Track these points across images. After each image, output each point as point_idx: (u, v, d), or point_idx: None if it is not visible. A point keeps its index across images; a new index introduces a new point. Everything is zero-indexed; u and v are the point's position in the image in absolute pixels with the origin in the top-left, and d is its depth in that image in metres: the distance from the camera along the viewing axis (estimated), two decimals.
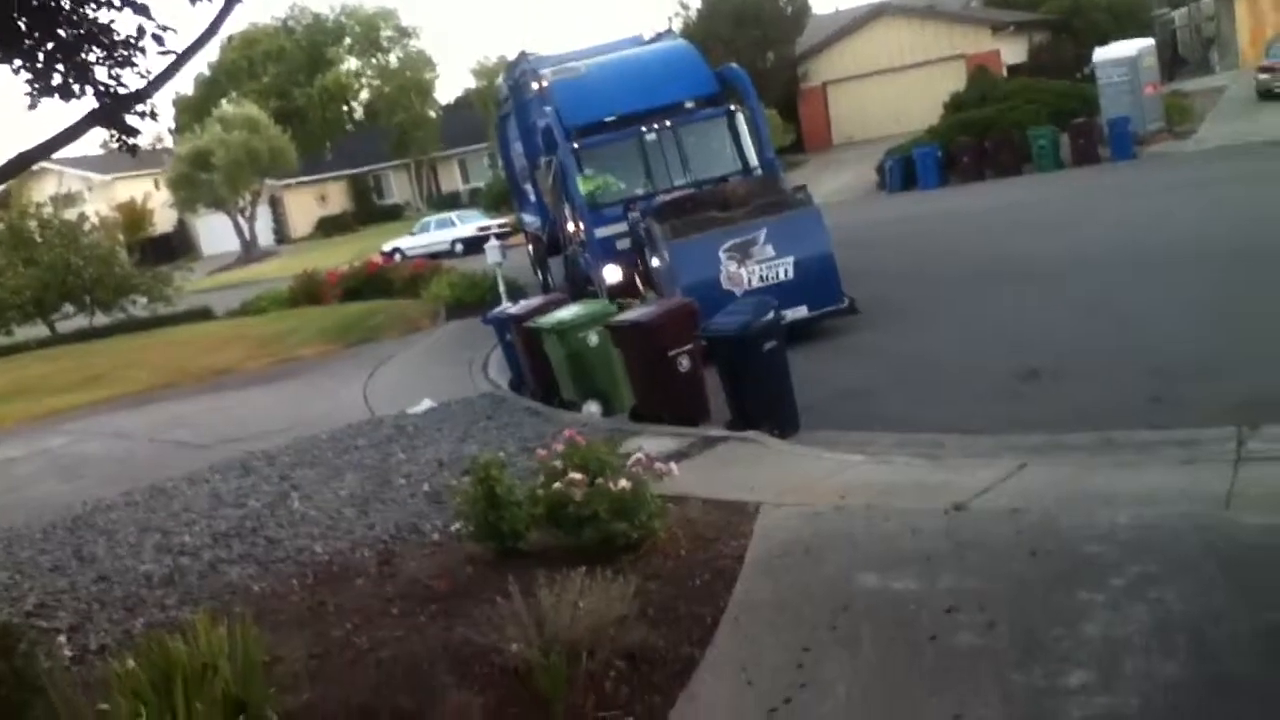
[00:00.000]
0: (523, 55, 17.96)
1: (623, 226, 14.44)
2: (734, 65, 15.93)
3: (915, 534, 5.85)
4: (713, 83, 15.77)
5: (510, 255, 20.52)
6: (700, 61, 16.22)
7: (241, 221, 49.94)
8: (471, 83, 57.28)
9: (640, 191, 14.64)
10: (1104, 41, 29.88)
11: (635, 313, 10.54)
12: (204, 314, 27.33)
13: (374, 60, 61.78)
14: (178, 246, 55.27)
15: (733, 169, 15.02)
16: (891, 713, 4.09)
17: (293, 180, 55.04)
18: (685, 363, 9.80)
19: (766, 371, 9.10)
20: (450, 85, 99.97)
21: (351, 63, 62.39)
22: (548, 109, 15.11)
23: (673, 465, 6.96)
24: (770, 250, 12.51)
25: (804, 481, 7.34)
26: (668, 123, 14.97)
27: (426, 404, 12.05)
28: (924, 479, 7.05)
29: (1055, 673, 4.13)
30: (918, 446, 8.09)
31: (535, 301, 12.98)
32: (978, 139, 28.06)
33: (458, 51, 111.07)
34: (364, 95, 63.46)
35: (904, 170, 29.34)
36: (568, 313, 11.30)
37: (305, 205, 57.92)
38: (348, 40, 62.09)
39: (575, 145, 14.65)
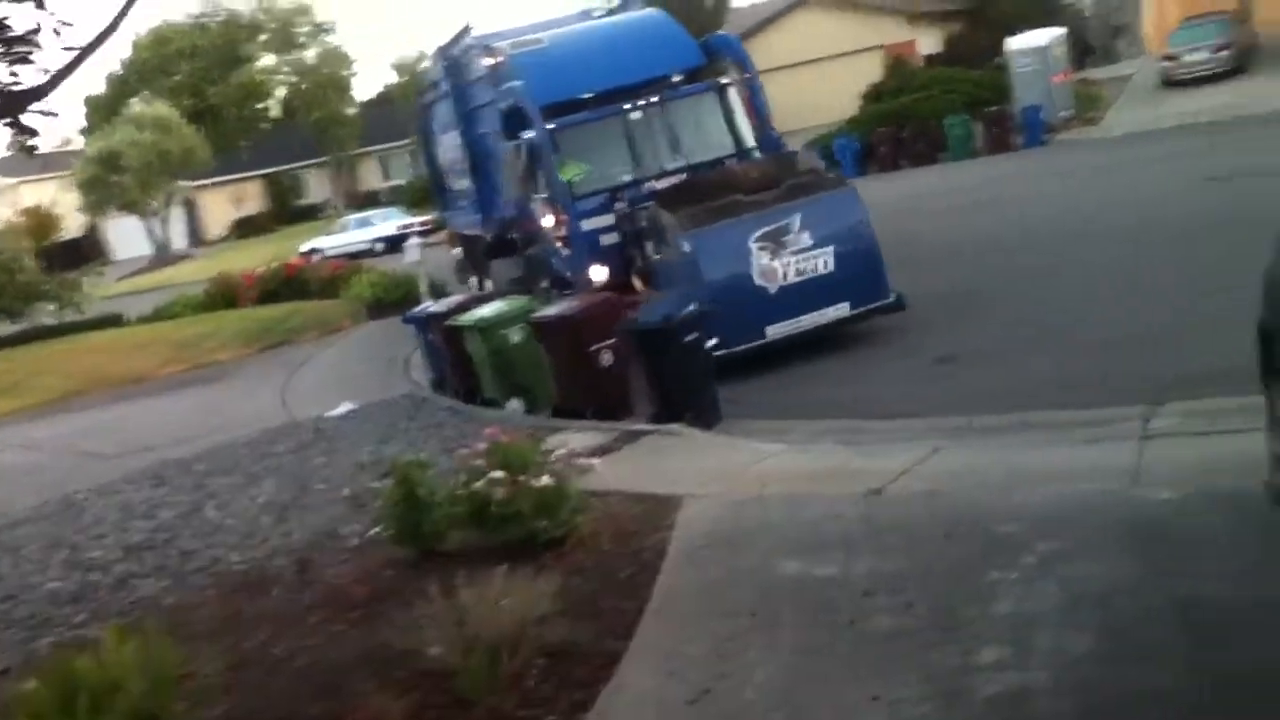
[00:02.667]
0: (466, 31, 15.76)
1: (608, 219, 12.64)
2: (723, 33, 14.49)
3: (834, 520, 5.90)
4: (697, 54, 14.05)
5: (433, 254, 20.29)
6: (680, 30, 14.54)
7: (154, 224, 48.72)
8: (392, 78, 56.59)
9: (627, 178, 12.87)
10: (1016, 30, 30.47)
11: (557, 308, 10.50)
12: (116, 320, 26.57)
13: (291, 57, 60.69)
14: (88, 251, 53.65)
15: (729, 151, 13.31)
16: (811, 697, 4.11)
17: (207, 181, 53.83)
18: (608, 357, 9.78)
19: (688, 364, 9.10)
20: (369, 81, 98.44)
21: (268, 59, 61.23)
22: (515, 84, 13.14)
23: (595, 460, 6.96)
24: (807, 238, 10.81)
25: (726, 472, 7.37)
26: (654, 99, 13.14)
27: (346, 406, 11.87)
28: (843, 465, 7.13)
29: (970, 651, 4.19)
30: (837, 433, 8.18)
31: (456, 299, 12.84)
32: (896, 129, 28.45)
33: (377, 47, 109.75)
34: (280, 92, 62.34)
35: (824, 161, 29.61)
36: (489, 310, 11.22)
37: (221, 206, 56.75)
38: (263, 36, 60.87)
39: (550, 126, 12.70)
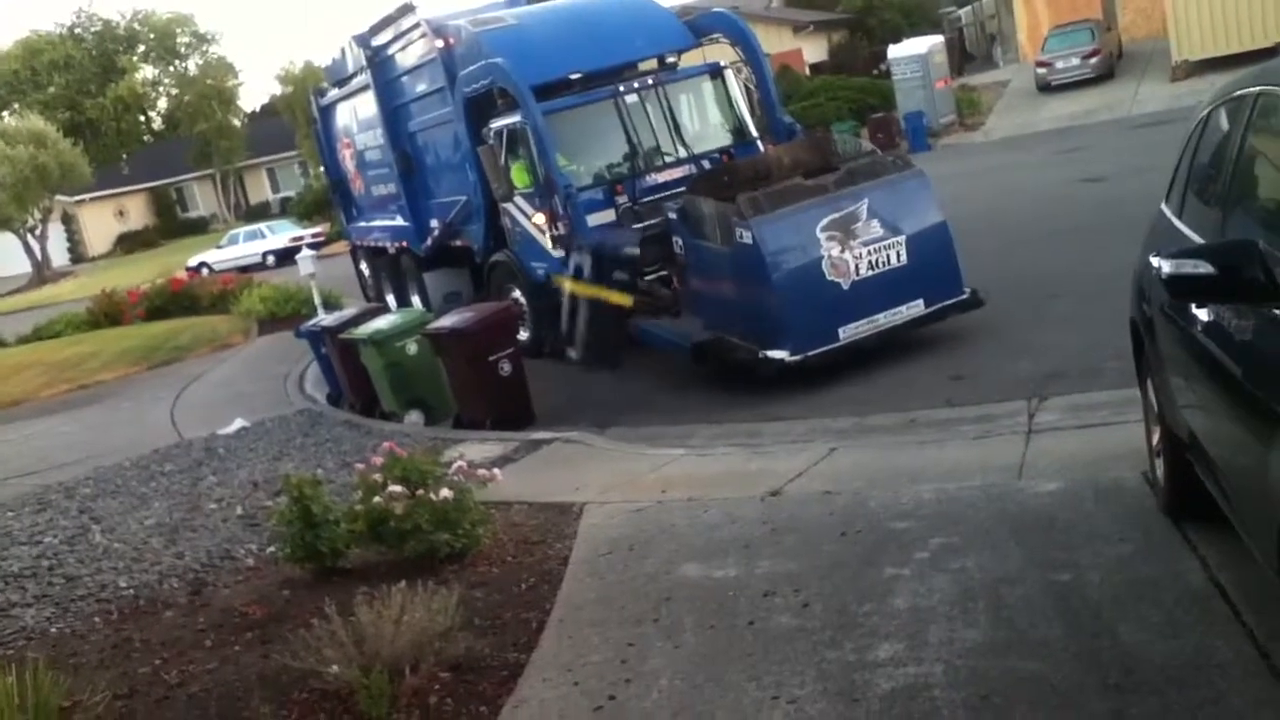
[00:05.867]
0: (406, 9, 13.72)
1: (609, 215, 11.31)
2: (720, 10, 13.31)
3: (734, 522, 5.98)
4: (686, 35, 12.83)
5: (326, 266, 19.91)
6: (664, 10, 13.40)
7: (32, 241, 46.86)
8: (277, 89, 55.51)
9: (624, 170, 11.63)
10: (897, 39, 31.33)
11: (452, 319, 10.41)
12: None
13: (172, 68, 59.10)
14: None
15: (733, 139, 12.30)
16: (712, 700, 4.16)
17: (87, 195, 52.14)
18: (506, 367, 9.78)
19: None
20: (255, 93, 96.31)
21: (147, 71, 59.53)
22: (497, 62, 11.56)
23: (496, 470, 6.92)
24: (877, 227, 9.49)
25: (627, 478, 7.41)
26: (649, 80, 12.01)
27: (239, 423, 11.56)
28: (742, 467, 7.23)
29: (865, 647, 4.28)
30: (736, 436, 8.30)
31: (350, 312, 12.63)
32: None
33: (261, 58, 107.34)
34: (162, 104, 60.68)
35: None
36: (384, 322, 11.09)
37: (103, 221, 54.94)
38: (142, 47, 59.15)
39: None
